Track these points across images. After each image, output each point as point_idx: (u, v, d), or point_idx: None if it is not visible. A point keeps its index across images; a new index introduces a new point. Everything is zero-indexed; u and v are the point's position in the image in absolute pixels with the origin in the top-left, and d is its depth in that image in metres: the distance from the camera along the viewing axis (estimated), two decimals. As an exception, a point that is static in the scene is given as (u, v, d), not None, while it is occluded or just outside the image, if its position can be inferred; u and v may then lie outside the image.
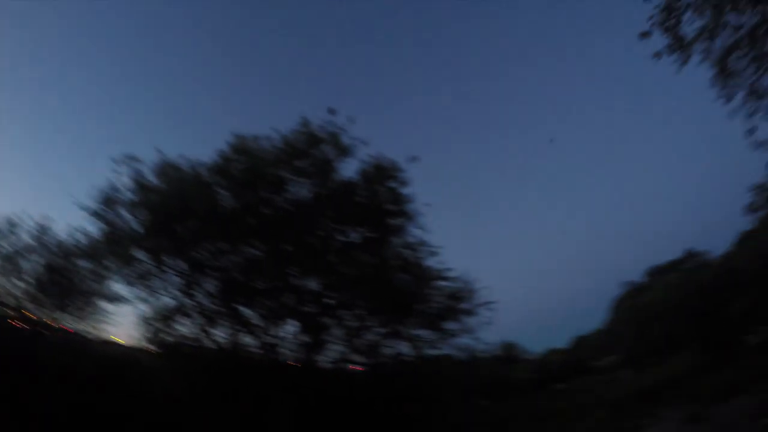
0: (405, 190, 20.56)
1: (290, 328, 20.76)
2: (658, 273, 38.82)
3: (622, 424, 20.40)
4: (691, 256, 37.08)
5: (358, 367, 23.18)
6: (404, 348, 22.81)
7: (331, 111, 19.25)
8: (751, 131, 15.15)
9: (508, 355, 34.82)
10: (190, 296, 19.53)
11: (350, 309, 21.49)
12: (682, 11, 11.47)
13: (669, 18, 11.29)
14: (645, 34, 11.34)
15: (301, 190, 19.88)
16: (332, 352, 21.98)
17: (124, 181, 18.72)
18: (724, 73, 15.86)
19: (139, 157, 18.84)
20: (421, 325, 21.86)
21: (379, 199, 20.38)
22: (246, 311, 20.17)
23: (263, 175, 18.59)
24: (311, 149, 19.45)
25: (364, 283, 19.08)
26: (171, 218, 17.82)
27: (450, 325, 21.82)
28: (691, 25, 14.60)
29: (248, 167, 18.54)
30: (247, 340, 20.31)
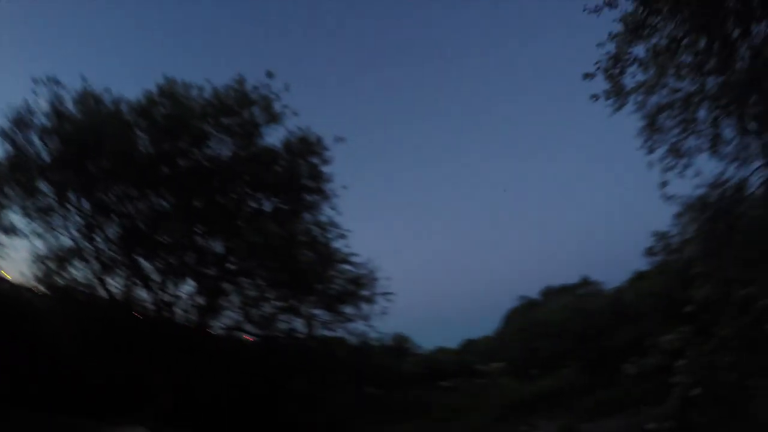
0: (325, 169, 20.49)
1: (187, 288, 20.11)
2: (552, 293, 40.97)
3: (502, 427, 21.37)
4: (585, 283, 39.36)
5: (250, 338, 22.87)
6: (299, 325, 22.76)
7: (269, 74, 18.83)
8: (664, 184, 16.30)
9: (399, 347, 35.36)
10: (90, 240, 18.38)
11: (251, 277, 21.07)
12: (629, 63, 11.92)
13: (615, 66, 11.69)
14: (589, 75, 11.67)
15: (222, 148, 19.23)
16: (227, 318, 21.56)
17: (41, 104, 17.30)
18: (651, 128, 16.88)
19: (60, 81, 17.44)
20: (318, 305, 21.76)
21: (299, 172, 20.14)
22: (145, 264, 19.27)
23: (186, 125, 17.81)
24: (241, 109, 18.87)
25: (269, 253, 18.64)
26: (83, 152, 16.68)
27: (347, 309, 21.86)
28: (633, 77, 15.41)
29: (172, 114, 17.65)
30: (143, 294, 19.46)
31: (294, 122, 19.65)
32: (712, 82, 15.88)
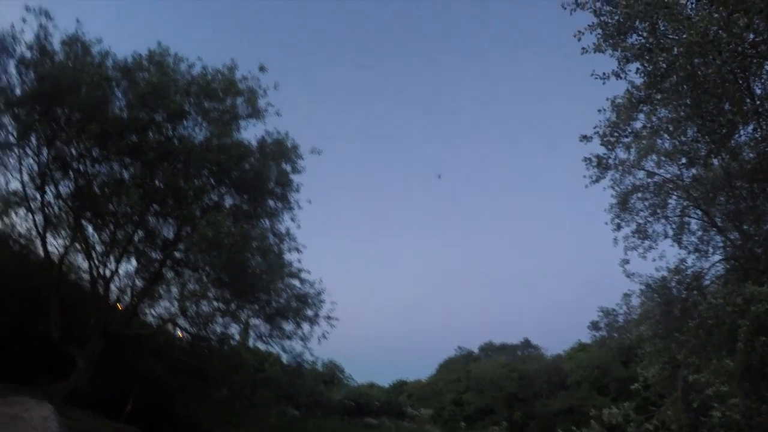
0: (294, 177, 20.14)
1: (128, 268, 19.34)
2: (492, 349, 41.28)
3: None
4: (526, 345, 39.88)
5: (182, 334, 22.03)
6: (234, 332, 22.10)
7: (261, 68, 18.28)
8: (625, 261, 16.70)
9: (332, 375, 34.66)
10: (41, 190, 17.22)
11: (195, 271, 20.22)
12: (625, 135, 12.09)
13: (612, 134, 11.80)
14: (585, 138, 11.75)
15: (196, 131, 18.54)
16: (161, 308, 20.82)
17: (28, 35, 16.19)
18: (622, 206, 17.33)
19: (53, 16, 16.37)
20: (259, 315, 21.08)
21: (267, 174, 19.58)
22: (90, 232, 18.43)
23: (166, 98, 16.94)
24: (225, 95, 18.18)
25: (219, 250, 17.91)
26: (55, 96, 15.60)
27: (287, 326, 21.24)
28: (627, 150, 15.75)
29: (155, 82, 16.84)
30: (81, 262, 18.76)
31: (274, 122, 19.23)
32: (687, 174, 16.56)
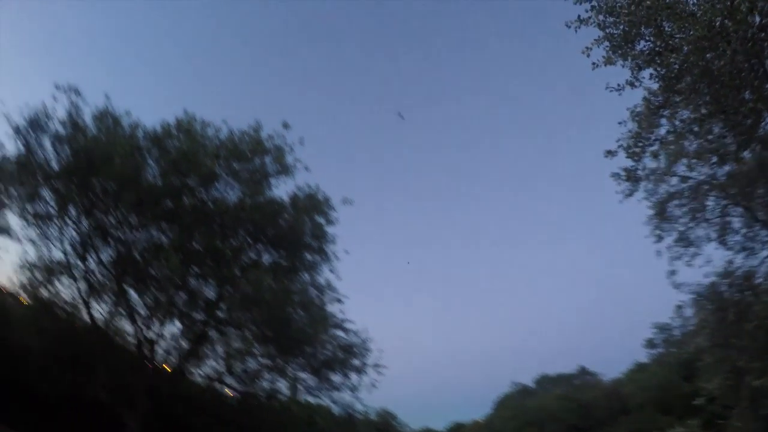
0: (329, 229, 20.20)
1: (172, 330, 19.47)
2: (547, 381, 39.98)
3: None
4: (583, 373, 38.44)
5: (231, 392, 21.99)
6: (283, 386, 22.01)
7: (285, 125, 18.82)
8: (672, 273, 16.19)
9: (385, 424, 33.94)
10: (82, 258, 17.92)
11: (239, 329, 20.44)
12: (650, 143, 11.96)
13: (636, 144, 11.68)
14: (610, 153, 11.69)
15: (229, 192, 19.03)
16: (208, 367, 20.83)
17: (59, 112, 17.11)
18: (661, 216, 16.95)
19: (81, 92, 17.27)
20: (306, 368, 21.10)
21: (302, 229, 19.78)
22: (133, 296, 18.72)
23: (197, 163, 17.58)
24: (253, 156, 18.75)
25: (262, 307, 18.01)
26: (91, 168, 16.37)
27: (335, 377, 21.23)
28: (654, 158, 15.49)
29: (185, 149, 17.53)
30: (126, 326, 18.77)
31: (304, 177, 19.54)
32: (721, 172, 16.13)
